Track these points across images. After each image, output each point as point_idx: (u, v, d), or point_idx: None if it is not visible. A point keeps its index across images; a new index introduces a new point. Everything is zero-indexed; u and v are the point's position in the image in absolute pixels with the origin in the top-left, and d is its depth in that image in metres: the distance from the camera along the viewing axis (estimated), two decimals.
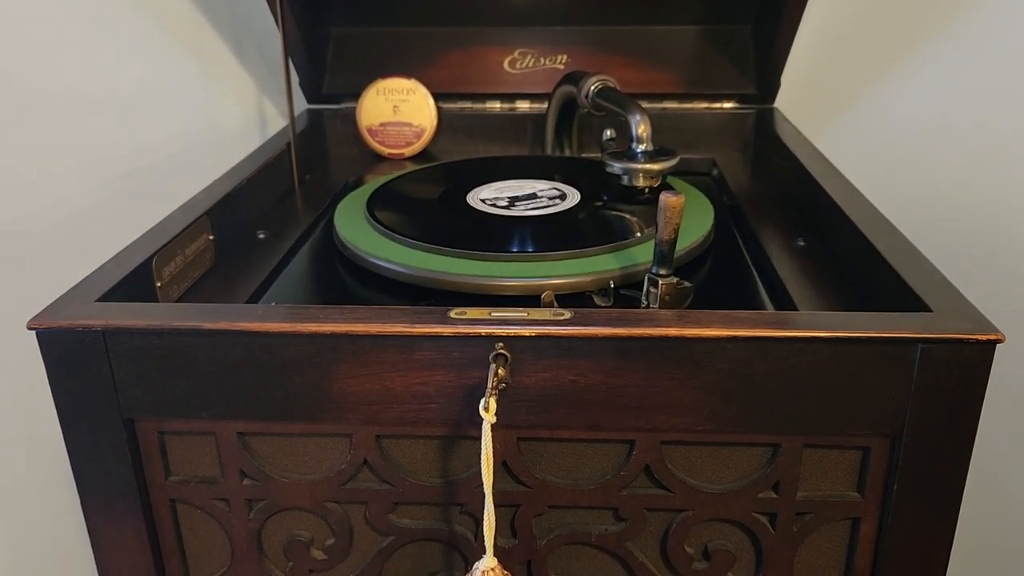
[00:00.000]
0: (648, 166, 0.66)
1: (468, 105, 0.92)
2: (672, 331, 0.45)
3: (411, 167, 0.85)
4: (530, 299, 0.55)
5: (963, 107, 0.96)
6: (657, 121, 0.70)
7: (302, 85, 0.92)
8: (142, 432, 0.50)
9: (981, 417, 0.45)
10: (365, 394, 0.47)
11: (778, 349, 0.45)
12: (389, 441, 0.50)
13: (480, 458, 0.43)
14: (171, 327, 0.46)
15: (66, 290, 0.50)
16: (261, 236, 0.69)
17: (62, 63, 0.97)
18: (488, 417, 0.43)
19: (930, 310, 0.46)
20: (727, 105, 0.90)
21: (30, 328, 0.46)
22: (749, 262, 0.64)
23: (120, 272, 0.52)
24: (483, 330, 0.45)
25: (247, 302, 0.59)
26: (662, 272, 0.52)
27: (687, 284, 0.53)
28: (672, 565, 0.51)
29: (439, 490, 0.50)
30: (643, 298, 0.53)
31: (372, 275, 0.60)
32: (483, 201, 0.68)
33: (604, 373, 0.46)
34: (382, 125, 0.89)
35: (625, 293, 0.56)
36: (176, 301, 0.58)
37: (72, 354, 0.47)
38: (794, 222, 0.70)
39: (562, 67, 0.91)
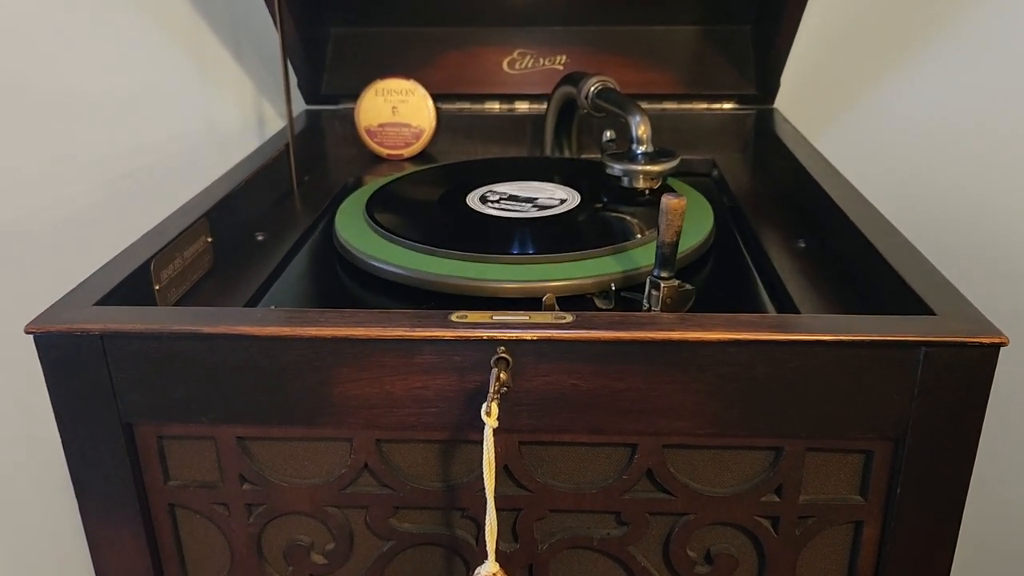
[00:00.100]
0: (648, 168, 0.66)
1: (467, 106, 0.92)
2: (674, 334, 0.44)
3: (410, 168, 0.85)
4: (531, 301, 0.54)
5: (963, 107, 0.96)
6: (657, 122, 0.70)
7: (300, 86, 0.92)
8: (141, 436, 0.50)
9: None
10: (365, 398, 0.47)
11: (781, 352, 0.44)
12: (390, 445, 0.50)
13: (481, 462, 0.43)
14: (170, 331, 0.46)
15: (65, 291, 0.50)
16: (260, 238, 0.69)
17: (61, 64, 0.96)
18: (490, 422, 0.42)
19: (933, 313, 0.46)
20: (727, 106, 0.90)
21: (28, 332, 0.46)
22: (750, 264, 0.63)
23: (118, 275, 0.52)
24: (484, 334, 0.45)
25: (246, 305, 0.58)
26: (664, 274, 0.52)
27: (689, 287, 0.52)
28: (674, 569, 0.51)
29: (440, 494, 0.50)
30: (645, 301, 0.53)
31: (372, 277, 0.60)
32: (483, 203, 0.68)
33: (606, 376, 0.46)
34: (381, 126, 0.89)
35: (626, 295, 0.56)
36: (175, 304, 0.57)
37: (70, 358, 0.47)
38: (794, 223, 0.69)
39: (561, 68, 0.91)
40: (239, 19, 0.97)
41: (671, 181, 0.73)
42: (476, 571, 0.46)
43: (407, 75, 0.88)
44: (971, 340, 0.43)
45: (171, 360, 0.47)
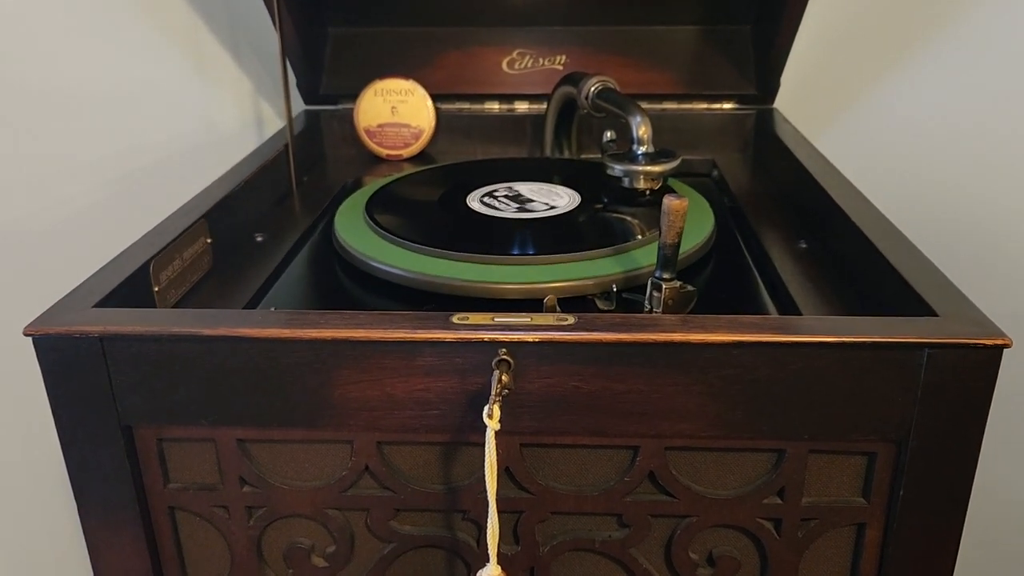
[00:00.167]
0: (649, 168, 0.66)
1: (466, 106, 0.92)
2: (676, 336, 0.44)
3: (410, 168, 0.84)
4: (532, 303, 0.54)
5: (963, 107, 0.96)
6: (657, 122, 0.70)
7: (299, 86, 0.91)
8: (140, 439, 0.49)
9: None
10: (366, 400, 0.47)
11: (783, 354, 0.44)
12: (391, 447, 0.49)
13: (482, 464, 0.43)
14: (169, 333, 0.46)
15: (64, 292, 0.50)
16: (259, 239, 0.69)
17: (60, 63, 0.96)
18: (492, 424, 0.42)
19: (935, 314, 0.45)
20: (727, 106, 0.90)
21: (27, 334, 0.46)
22: (751, 264, 0.63)
23: (117, 277, 0.52)
24: (486, 335, 0.45)
25: (246, 306, 0.58)
26: (665, 276, 0.51)
27: (690, 288, 0.52)
28: (676, 572, 0.51)
29: (441, 497, 0.50)
30: (646, 302, 0.53)
31: (371, 278, 0.60)
32: (483, 203, 0.68)
33: (608, 378, 0.45)
34: (380, 126, 0.89)
35: (628, 297, 0.56)
36: (174, 306, 0.57)
37: (69, 360, 0.46)
38: (795, 224, 0.69)
39: (561, 68, 0.91)
40: (238, 19, 0.97)
41: (671, 182, 0.73)
42: (477, 574, 0.46)
43: (406, 75, 0.88)
44: (974, 342, 0.43)
45: (171, 362, 0.46)
